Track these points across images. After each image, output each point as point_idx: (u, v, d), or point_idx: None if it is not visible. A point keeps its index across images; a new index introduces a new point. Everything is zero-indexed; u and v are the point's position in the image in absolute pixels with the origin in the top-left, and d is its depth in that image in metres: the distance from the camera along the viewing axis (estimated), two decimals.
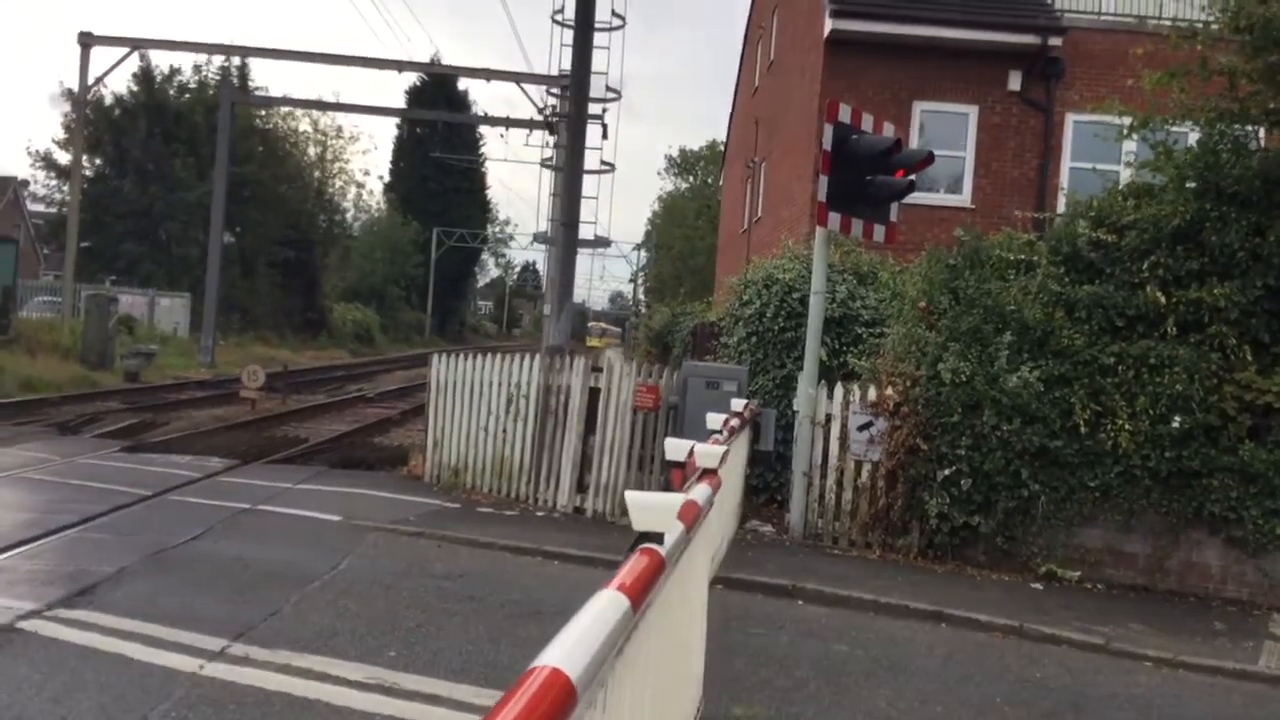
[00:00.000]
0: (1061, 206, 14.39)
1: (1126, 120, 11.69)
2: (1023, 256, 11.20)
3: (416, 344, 64.16)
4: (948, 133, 17.77)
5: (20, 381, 21.67)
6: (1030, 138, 17.78)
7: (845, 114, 11.05)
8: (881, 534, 11.05)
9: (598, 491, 12.37)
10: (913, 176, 11.39)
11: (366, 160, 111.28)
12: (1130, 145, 12.81)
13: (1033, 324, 10.58)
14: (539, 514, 12.29)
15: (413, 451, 15.25)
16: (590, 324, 75.11)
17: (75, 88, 34.26)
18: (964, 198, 17.84)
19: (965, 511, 10.56)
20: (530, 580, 9.34)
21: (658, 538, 3.49)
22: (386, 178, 77.38)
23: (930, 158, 11.47)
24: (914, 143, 16.79)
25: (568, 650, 2.18)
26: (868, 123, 11.31)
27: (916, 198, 13.73)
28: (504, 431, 12.99)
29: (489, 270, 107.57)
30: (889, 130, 11.51)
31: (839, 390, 11.44)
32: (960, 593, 9.66)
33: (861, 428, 11.13)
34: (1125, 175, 13.57)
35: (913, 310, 11.32)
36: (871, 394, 11.16)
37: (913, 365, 10.88)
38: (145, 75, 46.37)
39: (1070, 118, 17.71)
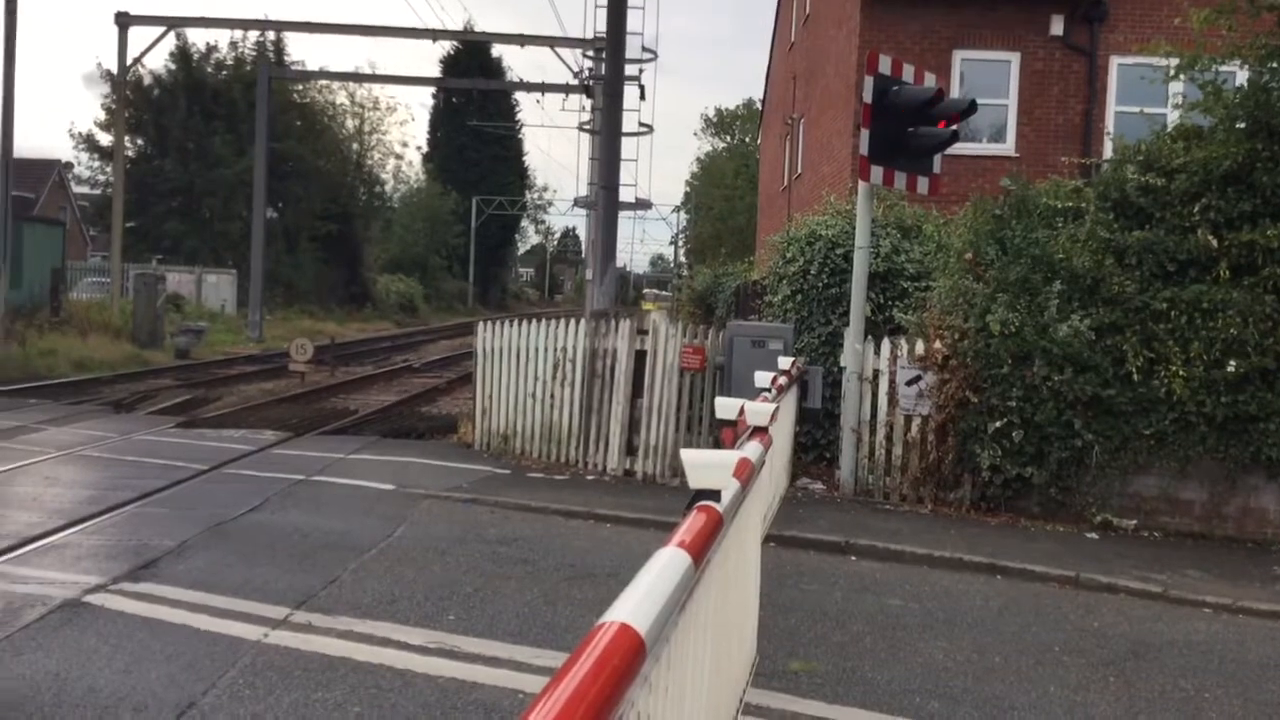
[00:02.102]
0: (1108, 152, 14.13)
1: (1173, 61, 11.44)
2: (1070, 204, 11.04)
3: (460, 313, 64.56)
4: (989, 81, 17.51)
5: (73, 362, 22.06)
6: (1074, 83, 17.49)
7: (885, 65, 10.92)
8: (933, 488, 11.01)
9: (647, 453, 12.40)
10: (955, 126, 11.25)
11: (404, 131, 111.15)
12: (1177, 86, 12.54)
13: (1082, 272, 10.45)
14: (589, 477, 12.35)
15: (461, 419, 15.37)
16: (645, 290, 75.27)
17: (114, 69, 34.59)
18: (1008, 146, 17.61)
19: (1018, 463, 10.50)
20: (583, 543, 9.40)
21: (715, 495, 3.49)
22: (424, 148, 77.65)
23: (973, 106, 11.29)
24: (955, 92, 16.57)
25: (635, 606, 2.19)
26: (908, 74, 11.17)
27: (959, 148, 13.58)
28: (551, 397, 13.05)
29: (529, 237, 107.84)
30: (930, 80, 11.35)
31: (886, 345, 11.37)
32: (1014, 544, 9.62)
33: (910, 382, 11.06)
34: (1173, 117, 13.30)
35: (959, 262, 11.21)
36: (919, 348, 11.09)
37: (960, 318, 10.79)
38: (182, 54, 46.76)
39: (1114, 60, 17.40)
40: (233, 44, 48.58)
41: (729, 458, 3.72)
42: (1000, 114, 17.74)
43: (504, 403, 13.50)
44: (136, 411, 16.94)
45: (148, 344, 26.27)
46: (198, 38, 47.34)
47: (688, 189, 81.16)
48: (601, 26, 21.89)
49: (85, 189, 54.52)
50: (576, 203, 37.58)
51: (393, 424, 16.40)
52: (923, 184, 11.35)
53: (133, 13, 32.16)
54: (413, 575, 7.92)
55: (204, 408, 17.62)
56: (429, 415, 17.92)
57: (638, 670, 2.03)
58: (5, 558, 7.93)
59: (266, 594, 7.20)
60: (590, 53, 30.19)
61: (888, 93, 10.82)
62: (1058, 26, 17.38)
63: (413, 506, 10.38)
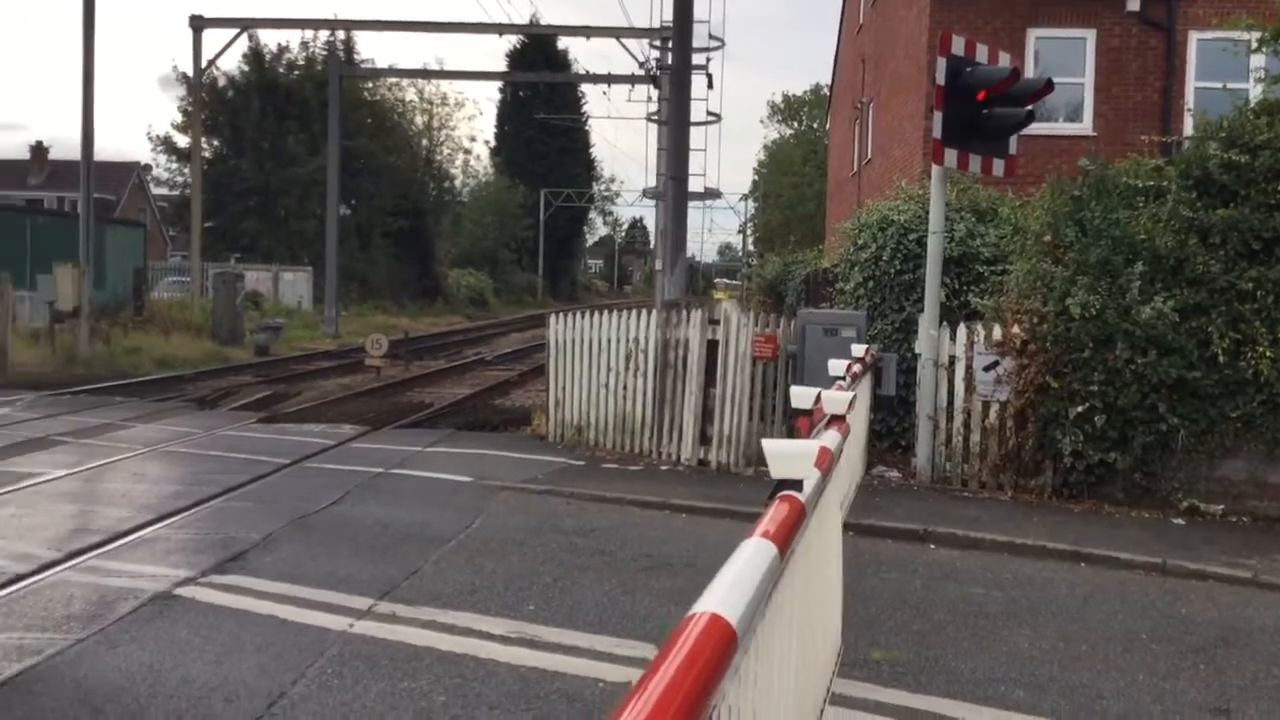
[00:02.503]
0: (1189, 129, 13.85)
1: (1255, 35, 11.15)
2: (1151, 183, 10.80)
3: (530, 305, 64.95)
4: (1064, 59, 17.23)
5: (157, 359, 22.59)
6: (1152, 59, 17.12)
7: (958, 46, 10.77)
8: (1013, 475, 10.86)
9: (720, 443, 12.39)
10: (1031, 107, 11.07)
11: (472, 126, 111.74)
12: (1259, 60, 12.22)
13: (1165, 252, 10.22)
14: (663, 468, 12.37)
15: (535, 411, 15.47)
16: (717, 280, 75.38)
17: (189, 71, 35.26)
18: (1084, 125, 17.30)
19: (1100, 449, 10.31)
20: (659, 533, 9.42)
21: (797, 485, 3.48)
22: (492, 142, 78.11)
23: (1049, 86, 11.11)
24: (1029, 72, 16.30)
25: (723, 596, 2.20)
26: (982, 54, 11.00)
27: (1035, 128, 13.35)
28: (624, 388, 13.08)
29: (597, 229, 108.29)
30: (1004, 60, 11.18)
31: (962, 331, 11.24)
32: (1098, 531, 9.46)
33: (987, 368, 10.92)
34: (1256, 92, 12.96)
35: (1036, 245, 11.03)
36: (996, 333, 10.94)
37: (1039, 301, 10.62)
38: (255, 55, 47.49)
39: (1194, 35, 17.01)
40: (303, 44, 49.25)
41: (810, 447, 3.70)
42: (1076, 92, 17.43)
43: (577, 394, 13.56)
44: (219, 408, 17.29)
45: (228, 341, 26.79)
46: (269, 38, 48.18)
47: (755, 177, 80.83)
48: (668, 15, 21.88)
49: (164, 190, 55.70)
50: (645, 194, 37.62)
51: (467, 417, 16.55)
52: (998, 166, 11.19)
53: (206, 16, 32.76)
54: (492, 566, 7.99)
55: (284, 403, 17.93)
56: (502, 408, 18.06)
57: (730, 661, 2.03)
58: (98, 552, 8.15)
59: (350, 585, 7.32)
60: (656, 42, 30.17)
61: (961, 74, 10.68)
62: (1134, 2, 17.03)
63: (490, 498, 10.48)
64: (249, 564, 7.88)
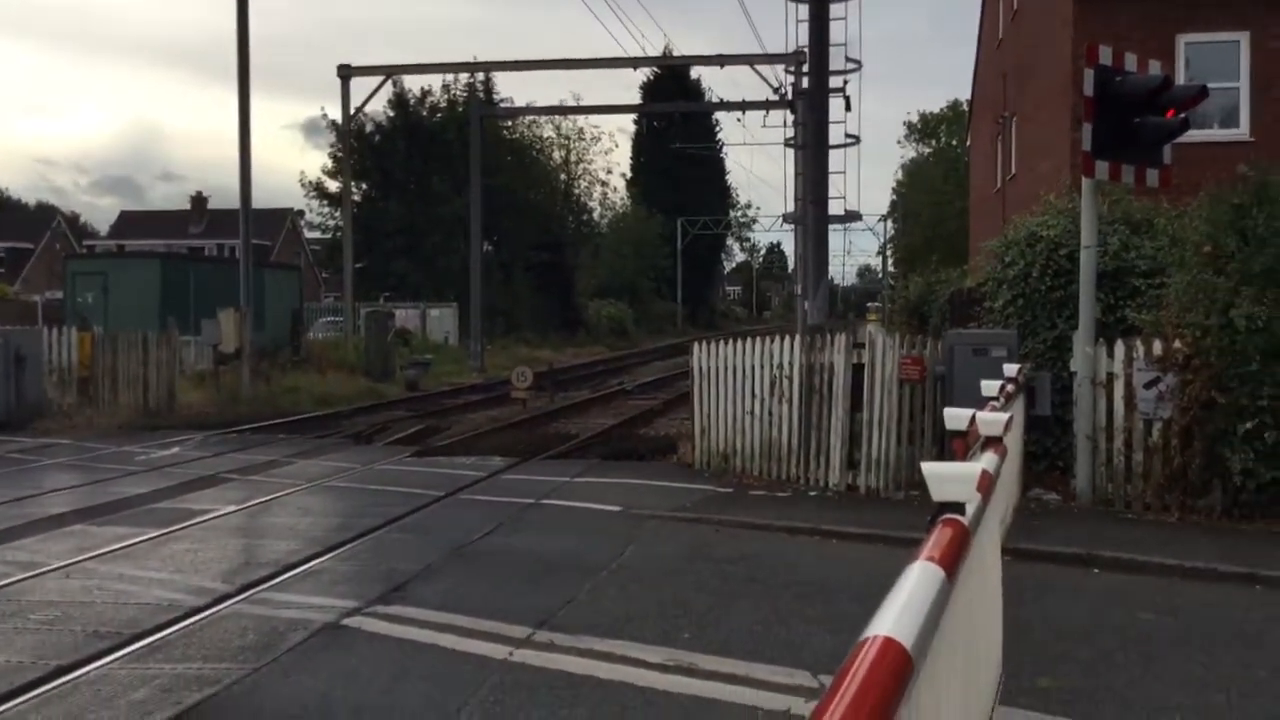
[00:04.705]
0: None
1: None
2: None
3: (669, 334, 65.24)
4: (1217, 64, 16.62)
5: (315, 398, 23.39)
6: None
7: (1106, 56, 10.50)
8: (1179, 495, 10.45)
9: (869, 467, 12.23)
10: (1185, 114, 10.71)
11: (609, 159, 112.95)
12: None
13: None
14: (811, 494, 12.28)
15: (680, 440, 15.52)
16: (868, 304, 74.64)
17: (338, 118, 36.63)
18: (1241, 131, 16.63)
19: (1272, 466, 9.83)
20: (810, 559, 9.36)
21: (958, 508, 3.44)
22: (628, 174, 78.92)
23: (1204, 92, 10.74)
24: (1180, 78, 15.75)
25: (895, 620, 2.19)
26: (1130, 63, 10.71)
27: (1188, 136, 12.83)
28: (769, 414, 13.04)
29: (734, 255, 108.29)
30: (1154, 68, 10.85)
31: (1120, 347, 10.89)
32: (1274, 553, 9.01)
33: (1148, 385, 10.55)
34: None
35: (1196, 256, 10.63)
36: (1157, 348, 10.57)
37: (1201, 314, 10.22)
38: (399, 100, 49.03)
39: None
40: (445, 87, 50.65)
41: (972, 469, 3.65)
42: (1231, 97, 16.78)
43: (722, 421, 13.57)
44: (375, 443, 17.82)
45: (380, 378, 27.58)
46: (412, 83, 49.63)
47: (894, 197, 79.70)
48: (801, 40, 21.85)
49: (316, 234, 57.82)
50: (785, 219, 37.52)
51: (613, 447, 16.69)
52: (1152, 176, 10.85)
53: (354, 64, 34.03)
54: (645, 594, 8.05)
55: (435, 437, 18.37)
56: (647, 437, 18.16)
57: (906, 685, 2.03)
58: (268, 585, 8.47)
59: (509, 614, 7.45)
60: (791, 68, 30.11)
61: (1110, 84, 10.40)
62: None
63: (639, 527, 10.55)
64: (411, 594, 8.10)
